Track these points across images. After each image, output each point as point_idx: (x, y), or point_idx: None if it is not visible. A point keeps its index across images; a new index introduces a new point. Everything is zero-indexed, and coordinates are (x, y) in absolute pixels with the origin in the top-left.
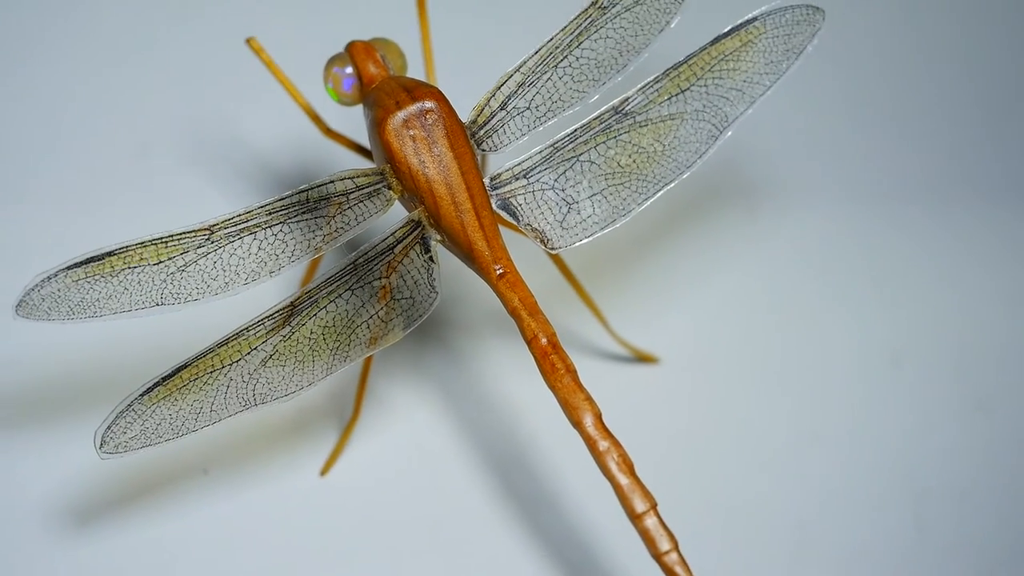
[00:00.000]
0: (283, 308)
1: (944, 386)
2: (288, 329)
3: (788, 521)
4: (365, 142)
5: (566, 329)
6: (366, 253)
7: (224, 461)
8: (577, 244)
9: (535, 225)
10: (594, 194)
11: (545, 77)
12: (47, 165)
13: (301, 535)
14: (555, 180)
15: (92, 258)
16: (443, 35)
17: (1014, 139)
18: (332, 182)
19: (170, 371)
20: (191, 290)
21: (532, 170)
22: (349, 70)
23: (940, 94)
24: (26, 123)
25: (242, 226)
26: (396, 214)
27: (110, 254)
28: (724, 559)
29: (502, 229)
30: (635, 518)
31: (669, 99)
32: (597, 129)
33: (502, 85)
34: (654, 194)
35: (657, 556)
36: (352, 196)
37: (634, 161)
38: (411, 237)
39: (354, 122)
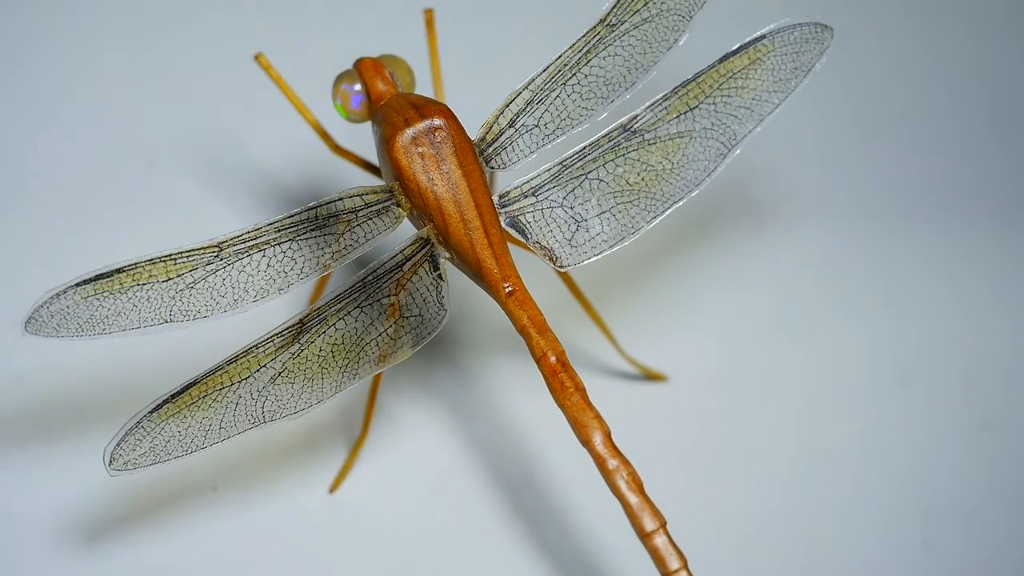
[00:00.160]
0: (292, 325)
1: (952, 403)
2: (297, 346)
3: (796, 539)
4: (374, 159)
5: (574, 346)
6: (375, 271)
7: (233, 478)
8: (586, 262)
9: (544, 243)
10: (603, 212)
11: (554, 95)
12: (55, 180)
13: (310, 552)
14: (564, 198)
15: (101, 275)
16: (452, 52)
17: (1023, 156)
18: (341, 199)
19: (179, 388)
20: (200, 307)
21: (541, 188)
22: (358, 87)
23: (947, 110)
24: (33, 139)
25: (251, 243)
26: (405, 231)
27: (119, 271)
28: None
29: (511, 247)
30: (645, 536)
31: (678, 117)
32: (606, 147)
33: (511, 102)
34: (663, 212)
35: (667, 575)
36: (361, 213)
37: (643, 179)
38: (420, 255)
39: (362, 139)
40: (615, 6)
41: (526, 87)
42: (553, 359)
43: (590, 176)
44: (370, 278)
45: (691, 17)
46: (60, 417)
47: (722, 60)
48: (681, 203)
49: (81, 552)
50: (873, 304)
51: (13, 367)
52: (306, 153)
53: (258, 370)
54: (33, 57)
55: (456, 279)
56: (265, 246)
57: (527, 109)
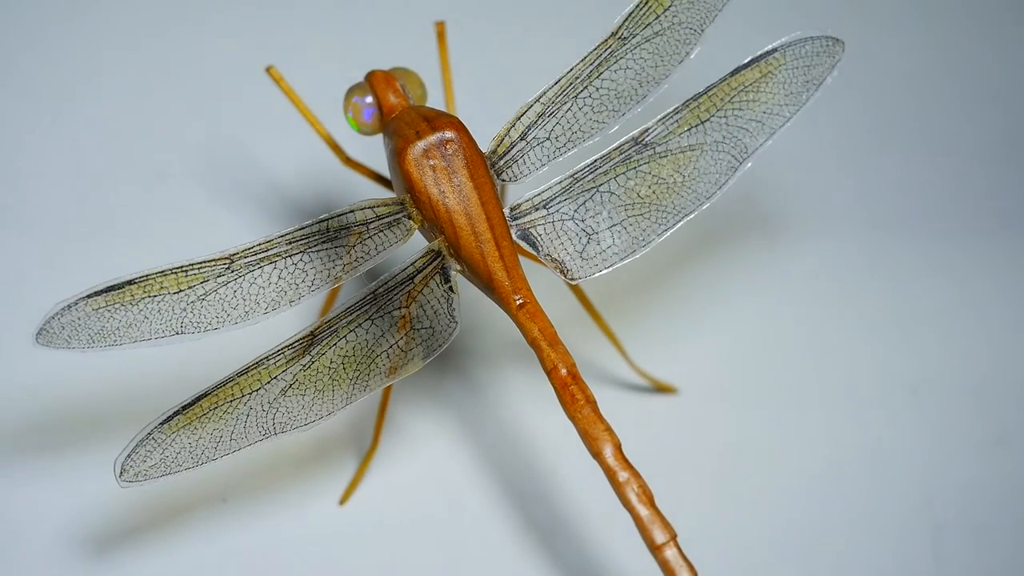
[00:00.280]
0: (303, 337)
1: (964, 417)
2: (308, 358)
3: (807, 552)
4: (385, 171)
5: (585, 358)
6: (386, 283)
7: (243, 490)
8: (597, 275)
9: (555, 255)
10: (614, 225)
11: (565, 107)
12: (66, 192)
13: (320, 564)
14: (575, 210)
15: (112, 287)
16: (463, 65)
17: None
18: (352, 212)
19: (190, 400)
20: (211, 319)
21: (552, 200)
22: (369, 99)
23: (960, 122)
24: (43, 151)
25: (262, 255)
26: (416, 244)
27: (130, 283)
28: None
29: (521, 259)
30: (655, 549)
31: (689, 130)
32: (617, 160)
33: (522, 115)
34: (674, 225)
35: None
36: (372, 226)
37: (654, 192)
38: (431, 267)
39: (374, 151)
40: (627, 19)
41: (537, 100)
42: (564, 371)
43: (601, 189)
44: (381, 290)
45: (702, 30)
46: (71, 428)
47: (733, 73)
48: (692, 216)
49: (91, 563)
50: (884, 317)
51: (24, 378)
52: (317, 165)
53: (269, 382)
54: (43, 69)
55: (467, 291)
56: (276, 258)
57: (538, 122)
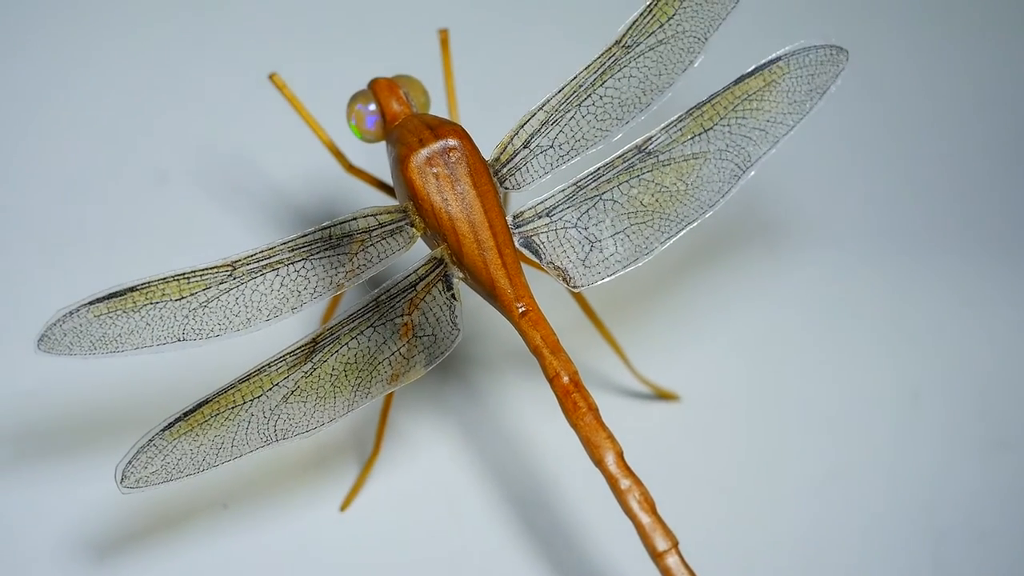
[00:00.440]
0: (305, 344)
1: (966, 424)
2: (310, 365)
3: (809, 559)
4: (388, 179)
5: (586, 366)
6: (388, 290)
7: (244, 496)
8: (599, 283)
9: (557, 263)
10: (617, 233)
11: (568, 116)
12: (67, 198)
13: (320, 571)
14: (578, 218)
15: (114, 293)
16: (466, 72)
17: None
18: (355, 219)
19: (191, 406)
20: (213, 326)
21: (555, 208)
22: (372, 107)
23: (963, 130)
24: (44, 155)
25: (264, 262)
26: (418, 252)
27: (132, 289)
28: None
29: (524, 267)
30: (656, 557)
31: (692, 138)
32: (620, 168)
33: (525, 123)
34: (677, 233)
35: None
36: (375, 233)
37: (657, 200)
38: (433, 274)
39: (377, 159)
40: (631, 27)
41: (541, 108)
42: (566, 379)
43: (604, 197)
44: (383, 297)
45: (706, 39)
46: (72, 434)
47: (737, 82)
48: (695, 224)
49: (92, 569)
50: (886, 323)
51: (26, 384)
52: (320, 173)
53: (270, 389)
54: (44, 72)
55: (469, 299)
56: (279, 265)
57: (542, 130)
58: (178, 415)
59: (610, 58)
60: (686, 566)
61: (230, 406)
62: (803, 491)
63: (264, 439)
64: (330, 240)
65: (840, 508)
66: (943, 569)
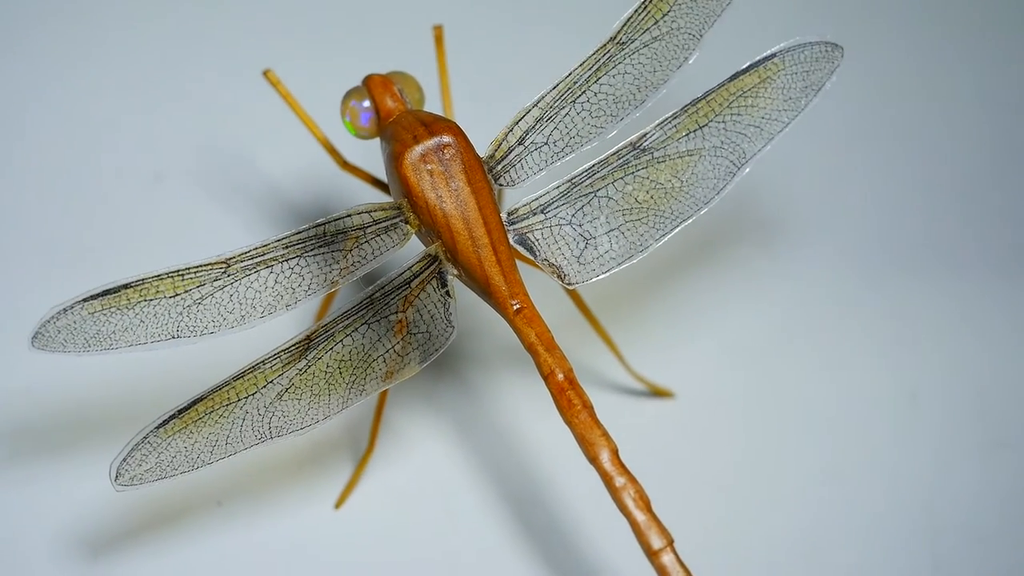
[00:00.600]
0: (299, 342)
1: (964, 424)
2: (304, 363)
3: (805, 558)
4: (382, 175)
5: (581, 363)
6: (383, 287)
7: (238, 493)
8: (594, 280)
9: (552, 260)
10: (611, 230)
11: (563, 112)
12: (61, 195)
13: (315, 568)
14: (572, 215)
15: (108, 290)
16: (461, 69)
17: None
18: (349, 216)
19: (186, 404)
20: (207, 323)
21: (549, 205)
22: (366, 103)
23: (962, 130)
24: (39, 152)
25: (259, 259)
26: (413, 248)
27: (126, 286)
28: None
29: (518, 264)
30: (652, 555)
31: (687, 135)
32: (615, 165)
33: (520, 120)
34: (671, 230)
35: None
36: (369, 230)
37: (652, 197)
38: (428, 271)
39: (371, 156)
40: (625, 24)
41: (535, 105)
42: (561, 376)
43: (599, 194)
44: (378, 295)
45: (701, 35)
46: (66, 431)
47: (732, 79)
48: (690, 221)
49: (86, 566)
50: (883, 321)
51: (20, 381)
52: (314, 169)
53: (265, 386)
54: (40, 70)
55: (463, 296)
56: (273, 262)
57: (536, 127)
58: (172, 412)
59: (605, 54)
60: (681, 564)
61: (224, 403)
62: (800, 489)
63: (258, 436)
64: (324, 237)
65: (838, 507)
66: (942, 569)
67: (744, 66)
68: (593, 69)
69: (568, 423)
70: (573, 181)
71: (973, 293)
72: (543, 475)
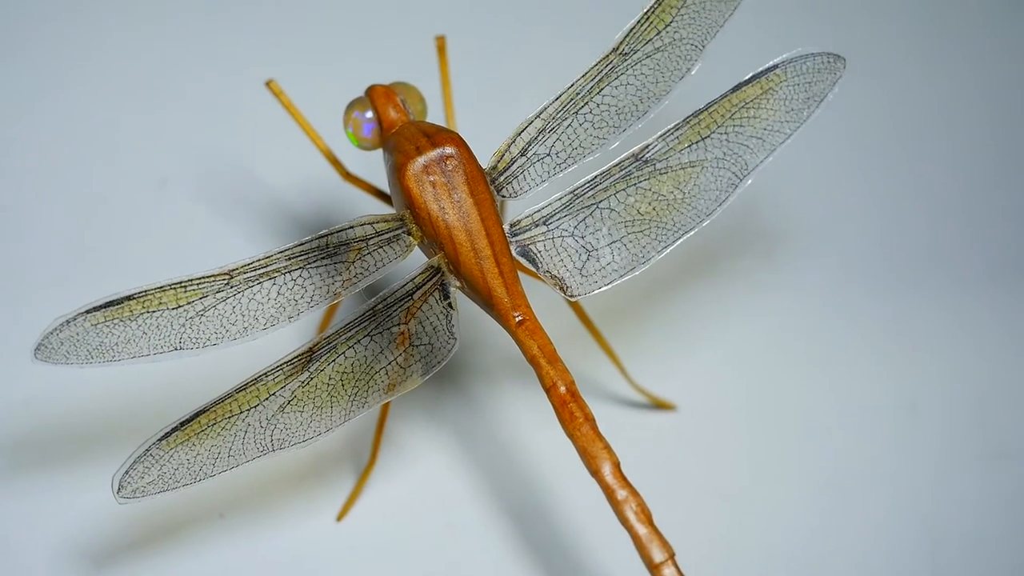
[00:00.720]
0: (302, 354)
1: (963, 434)
2: (307, 375)
3: (806, 569)
4: (384, 187)
5: (583, 375)
6: (385, 299)
7: (241, 505)
8: (596, 292)
9: (554, 272)
10: (614, 241)
11: (566, 123)
12: (64, 207)
13: None
14: (575, 227)
15: (111, 302)
16: (463, 79)
17: None
18: (352, 227)
19: (188, 416)
20: (210, 335)
21: (552, 217)
22: (369, 114)
23: (961, 141)
24: (43, 164)
25: (261, 271)
26: (415, 260)
27: (129, 298)
28: None
29: (521, 275)
30: (653, 568)
31: (689, 146)
32: (617, 176)
33: (522, 131)
34: (674, 242)
35: None
36: (371, 242)
37: (654, 208)
38: (430, 283)
39: (374, 166)
40: (628, 35)
41: (538, 116)
42: (563, 389)
43: (601, 205)
44: (380, 306)
45: (703, 47)
46: (69, 443)
47: (734, 90)
48: (692, 233)
49: None
50: (883, 332)
51: (22, 393)
52: (317, 180)
53: (267, 398)
54: (43, 78)
55: (466, 308)
56: (276, 274)
57: (539, 138)
58: (175, 425)
59: (607, 66)
60: None
61: (227, 416)
62: (800, 501)
63: (261, 449)
64: (327, 249)
65: (839, 518)
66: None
67: (746, 77)
68: (595, 80)
69: (570, 436)
70: (575, 193)
71: (973, 303)
72: (544, 487)
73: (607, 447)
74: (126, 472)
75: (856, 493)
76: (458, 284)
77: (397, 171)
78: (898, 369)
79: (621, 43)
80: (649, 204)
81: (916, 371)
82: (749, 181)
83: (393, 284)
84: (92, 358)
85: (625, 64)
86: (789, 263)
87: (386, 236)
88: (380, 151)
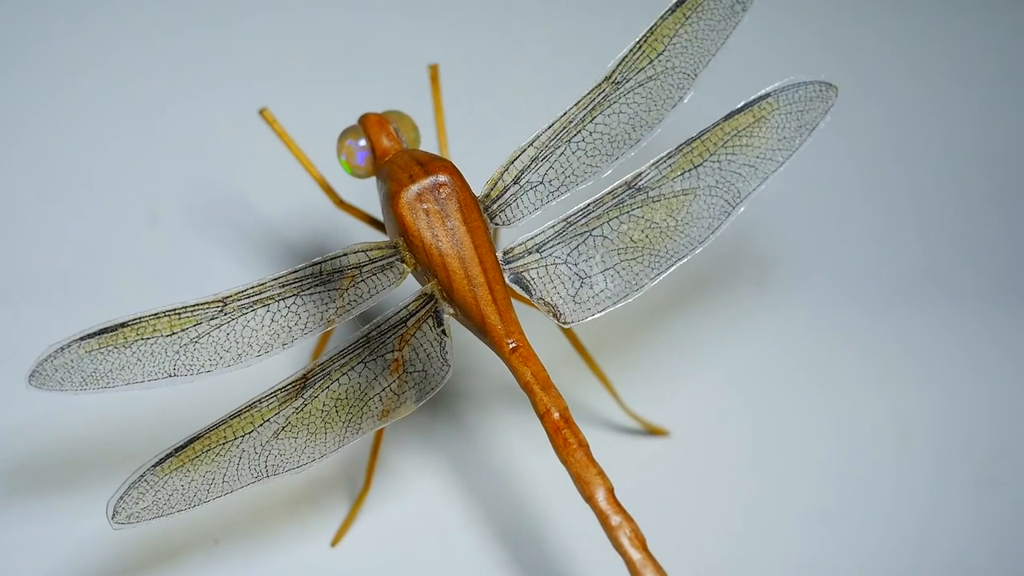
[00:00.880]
0: (296, 380)
1: (953, 462)
2: (301, 401)
3: None
4: (378, 214)
5: (576, 401)
6: (379, 326)
7: (235, 531)
8: (590, 319)
9: (548, 299)
10: (607, 269)
11: (558, 152)
12: (58, 234)
13: None
14: (568, 255)
15: (105, 329)
16: (456, 108)
17: None
18: (345, 255)
19: (183, 442)
20: (204, 362)
21: (545, 244)
22: (362, 143)
23: (953, 170)
24: (36, 192)
25: (255, 298)
26: (409, 287)
27: (123, 325)
28: None
29: (514, 302)
30: None
31: (682, 175)
32: (610, 204)
33: (515, 159)
34: (667, 269)
35: None
36: (365, 269)
37: (647, 236)
38: (424, 310)
39: (367, 194)
40: (620, 64)
41: (531, 144)
42: (556, 415)
43: (594, 233)
44: (374, 333)
45: (696, 75)
46: (63, 469)
47: (727, 118)
48: (685, 260)
49: None
50: (875, 358)
51: (16, 419)
52: (310, 208)
53: (261, 424)
54: (37, 108)
55: (459, 334)
56: (269, 301)
57: (532, 166)
58: (169, 451)
59: (600, 94)
60: None
61: (221, 442)
62: (793, 527)
63: (255, 475)
64: (320, 276)
65: (828, 545)
66: None
67: (738, 105)
68: (588, 108)
69: (564, 462)
70: (568, 220)
71: (967, 330)
72: (538, 513)
73: (601, 473)
74: (121, 498)
75: (849, 520)
76: (452, 311)
77: (391, 199)
78: (891, 394)
79: (614, 72)
80: (642, 232)
81: (909, 396)
82: (742, 209)
83: (387, 311)
84: (86, 385)
85: (618, 92)
86: (782, 289)
87: (380, 263)
88: (374, 179)
